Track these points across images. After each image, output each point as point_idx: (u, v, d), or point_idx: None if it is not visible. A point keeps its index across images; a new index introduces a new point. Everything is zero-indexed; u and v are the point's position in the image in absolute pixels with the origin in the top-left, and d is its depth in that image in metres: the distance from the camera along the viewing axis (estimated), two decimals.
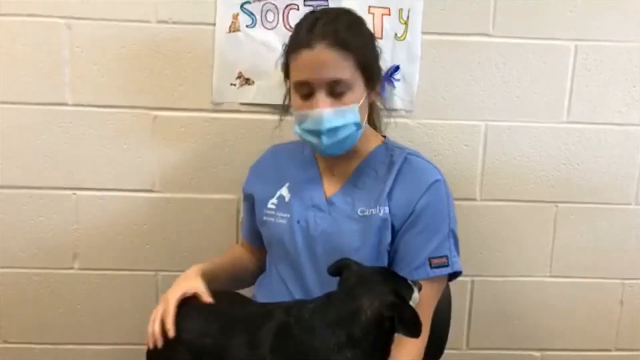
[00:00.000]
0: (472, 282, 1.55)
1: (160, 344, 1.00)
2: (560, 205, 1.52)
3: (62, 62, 1.37)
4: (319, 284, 1.10)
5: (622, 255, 1.55)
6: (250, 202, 1.23)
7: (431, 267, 1.07)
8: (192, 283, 1.07)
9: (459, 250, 1.12)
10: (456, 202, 1.13)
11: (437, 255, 1.07)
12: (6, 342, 1.49)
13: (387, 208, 1.08)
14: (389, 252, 1.10)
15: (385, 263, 1.10)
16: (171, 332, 0.99)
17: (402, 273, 1.02)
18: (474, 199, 1.50)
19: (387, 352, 0.93)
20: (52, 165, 1.42)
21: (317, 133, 1.05)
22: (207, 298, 1.04)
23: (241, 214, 1.32)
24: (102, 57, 1.38)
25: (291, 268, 1.15)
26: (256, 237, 1.25)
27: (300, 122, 1.07)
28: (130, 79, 1.39)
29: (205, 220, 1.47)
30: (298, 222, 1.13)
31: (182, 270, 1.46)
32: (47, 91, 1.38)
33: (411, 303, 0.95)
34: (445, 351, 1.32)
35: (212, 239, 1.47)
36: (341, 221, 1.11)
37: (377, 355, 0.92)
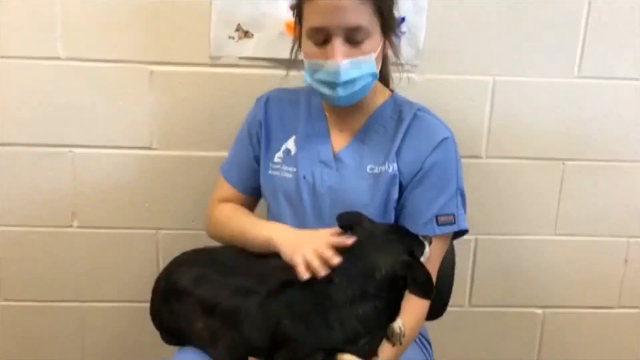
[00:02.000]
0: (476, 240, 1.54)
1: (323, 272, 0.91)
2: (567, 162, 1.49)
3: (54, 15, 1.32)
4: None
5: (628, 213, 1.53)
6: (257, 155, 1.15)
7: (438, 225, 1.05)
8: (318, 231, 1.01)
9: (466, 209, 1.10)
10: (461, 160, 1.10)
11: (444, 213, 1.05)
12: (6, 299, 1.49)
13: (395, 165, 1.06)
14: (395, 209, 1.08)
15: (392, 219, 1.08)
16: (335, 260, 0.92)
17: None
18: (479, 157, 1.47)
19: (397, 309, 0.93)
20: (47, 122, 1.38)
21: (333, 85, 1.00)
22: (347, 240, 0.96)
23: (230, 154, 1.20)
24: (95, 9, 1.32)
25: (297, 224, 1.12)
26: (250, 184, 1.17)
27: (313, 71, 1.02)
28: (125, 32, 1.34)
29: (204, 178, 1.43)
30: (304, 177, 1.10)
31: (183, 228, 1.48)
32: (39, 45, 1.33)
33: (422, 259, 0.94)
34: (448, 308, 1.32)
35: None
36: (349, 178, 1.08)
37: (388, 312, 0.92)
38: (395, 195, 1.06)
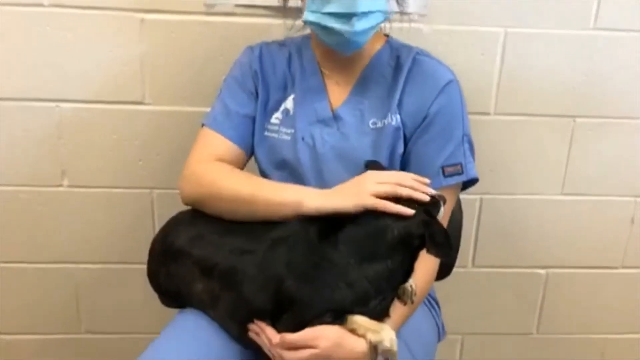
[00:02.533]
0: (481, 200, 1.49)
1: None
2: (578, 119, 1.43)
3: None
4: None
5: (638, 172, 1.49)
6: (255, 87, 1.05)
7: (445, 176, 1.00)
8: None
9: (474, 155, 1.04)
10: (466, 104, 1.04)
11: (451, 163, 1.00)
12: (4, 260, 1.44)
13: (398, 116, 1.00)
14: (400, 163, 1.03)
15: None
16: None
17: None
18: (487, 113, 1.41)
19: (411, 269, 0.89)
20: (30, 75, 1.30)
21: (349, 17, 0.91)
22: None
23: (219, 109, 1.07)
24: None
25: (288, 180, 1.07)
26: (248, 138, 1.06)
27: (322, 4, 0.92)
28: None
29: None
30: (303, 138, 1.03)
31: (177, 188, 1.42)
32: None
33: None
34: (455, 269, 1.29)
35: None
36: (351, 136, 1.02)
37: (401, 272, 0.88)
38: (400, 149, 1.01)
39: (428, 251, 0.83)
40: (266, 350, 0.87)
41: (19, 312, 1.49)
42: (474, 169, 1.04)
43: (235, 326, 0.90)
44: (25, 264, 1.45)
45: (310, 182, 1.04)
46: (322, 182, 1.03)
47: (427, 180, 0.91)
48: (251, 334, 0.88)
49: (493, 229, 1.53)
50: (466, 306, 1.59)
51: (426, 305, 1.12)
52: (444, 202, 0.92)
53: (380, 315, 0.87)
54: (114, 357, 1.54)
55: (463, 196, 1.41)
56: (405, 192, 0.87)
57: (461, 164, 1.01)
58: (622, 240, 1.56)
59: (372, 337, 0.83)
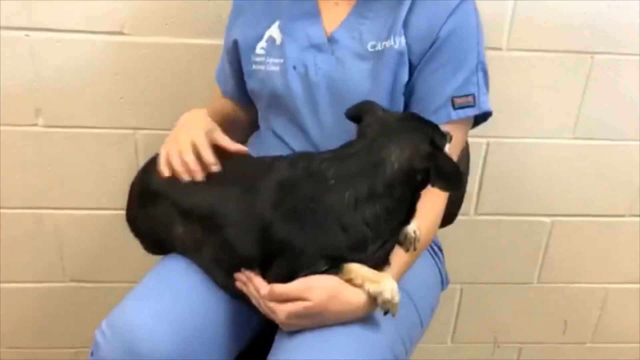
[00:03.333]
0: (487, 143, 1.41)
1: (200, 176, 0.85)
2: (596, 56, 1.32)
3: None
4: (323, 138, 0.95)
5: None
6: (235, 50, 1.02)
7: (454, 108, 0.91)
8: (208, 124, 0.92)
9: (488, 87, 0.95)
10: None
11: (462, 93, 0.91)
12: None
13: (403, 39, 0.89)
14: (404, 95, 0.93)
15: (400, 109, 0.93)
16: (215, 166, 0.86)
17: None
18: (499, 49, 1.30)
19: (413, 210, 0.81)
20: None
21: None
22: (230, 144, 0.90)
23: (220, 63, 1.10)
24: None
25: (290, 123, 0.98)
26: (245, 93, 1.05)
27: None
28: None
29: (187, 69, 1.26)
30: (294, 67, 0.94)
31: (163, 128, 1.32)
32: None
33: None
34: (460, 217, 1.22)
35: (194, 90, 1.27)
36: (347, 61, 0.92)
37: (402, 213, 0.79)
38: (404, 77, 0.91)
39: (434, 184, 0.75)
40: (254, 302, 0.80)
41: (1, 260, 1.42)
42: (488, 102, 0.94)
43: (221, 274, 0.83)
44: (5, 210, 1.37)
45: (304, 116, 0.95)
46: (317, 115, 0.95)
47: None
48: (238, 284, 0.81)
49: (498, 174, 1.44)
50: (466, 255, 1.53)
51: (429, 252, 1.05)
52: (450, 140, 0.83)
53: (379, 263, 0.80)
54: (98, 305, 1.48)
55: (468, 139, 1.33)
56: None
57: (474, 95, 0.92)
58: (632, 188, 1.49)
59: (371, 287, 0.76)
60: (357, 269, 0.77)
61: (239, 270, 0.80)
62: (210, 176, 0.85)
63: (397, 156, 0.76)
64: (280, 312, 0.75)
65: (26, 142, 1.30)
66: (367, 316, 0.79)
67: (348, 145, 0.82)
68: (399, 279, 0.84)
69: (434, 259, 1.06)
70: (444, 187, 0.76)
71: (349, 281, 0.77)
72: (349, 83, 0.92)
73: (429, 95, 0.91)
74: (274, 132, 1.00)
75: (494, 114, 1.32)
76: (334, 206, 0.75)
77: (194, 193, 0.84)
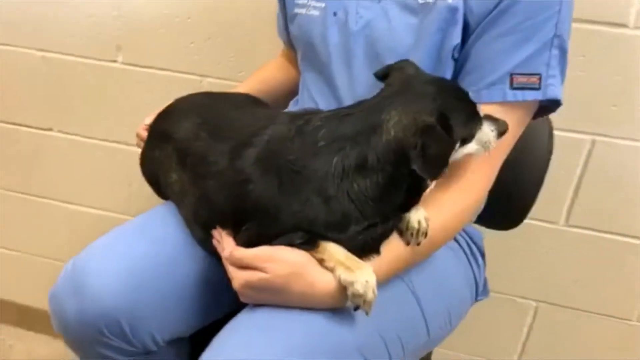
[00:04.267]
0: (593, 142, 1.16)
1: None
2: None
3: None
4: (355, 99, 0.83)
5: None
6: None
7: (512, 87, 0.74)
8: None
9: (565, 71, 0.77)
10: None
11: (526, 71, 0.74)
12: (60, 131, 1.46)
13: None
14: (456, 62, 0.78)
15: (447, 76, 0.79)
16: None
17: (468, 90, 0.73)
18: (624, 25, 1.06)
19: (413, 196, 0.68)
20: None
21: None
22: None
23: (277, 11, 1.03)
24: None
25: (322, 79, 0.88)
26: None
27: None
28: None
29: (258, 20, 1.21)
30: (335, 13, 0.84)
31: (230, 79, 1.30)
32: None
33: (473, 145, 0.69)
34: (534, 222, 1.09)
35: (264, 41, 1.22)
36: (392, 11, 0.80)
37: (395, 196, 0.66)
38: (454, 39, 0.76)
39: (412, 164, 0.62)
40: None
41: (79, 184, 1.52)
42: (559, 88, 0.76)
43: (199, 229, 0.78)
44: (82, 138, 1.46)
45: (337, 71, 0.85)
46: (350, 75, 0.84)
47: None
48: (214, 241, 0.74)
49: (602, 181, 1.19)
50: (547, 268, 1.29)
51: (464, 253, 0.88)
52: (502, 132, 0.70)
53: (364, 249, 0.67)
54: None
55: (566, 134, 1.11)
56: None
57: (540, 76, 0.74)
58: None
59: (342, 274, 0.65)
60: (332, 250, 0.66)
61: (214, 226, 0.74)
62: (216, 126, 0.79)
63: (395, 122, 0.64)
64: (236, 279, 0.68)
65: (106, 76, 1.36)
66: (338, 306, 0.68)
67: (357, 103, 0.71)
68: (388, 275, 0.71)
69: (469, 261, 0.89)
70: (419, 170, 0.62)
71: (321, 262, 0.66)
72: (390, 37, 0.80)
73: (484, 67, 0.76)
74: (308, 92, 0.91)
75: (605, 106, 1.10)
76: (318, 172, 0.65)
77: (195, 140, 0.79)
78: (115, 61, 1.34)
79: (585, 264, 1.26)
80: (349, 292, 0.64)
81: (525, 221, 1.05)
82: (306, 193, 0.65)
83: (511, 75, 0.74)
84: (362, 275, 0.64)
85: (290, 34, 0.94)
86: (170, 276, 0.77)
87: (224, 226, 0.72)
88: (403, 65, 0.73)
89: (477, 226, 0.98)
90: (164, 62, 1.31)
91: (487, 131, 0.69)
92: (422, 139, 0.61)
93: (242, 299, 0.69)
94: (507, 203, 1.03)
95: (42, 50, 1.37)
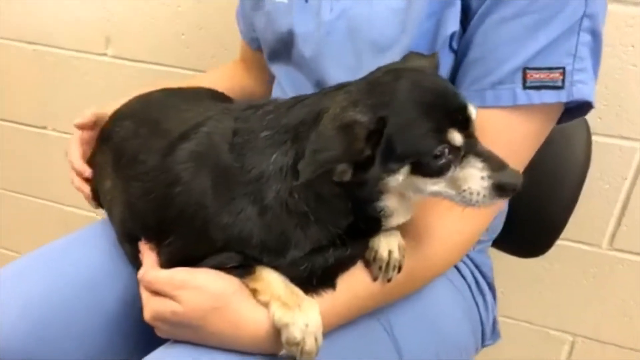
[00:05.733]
0: None
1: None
2: None
3: None
4: None
5: None
6: None
7: (525, 86, 0.58)
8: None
9: (599, 61, 0.60)
10: None
11: (544, 64, 0.58)
12: (55, 129, 1.38)
13: None
14: (455, 54, 0.62)
15: (443, 71, 0.63)
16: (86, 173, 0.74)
17: (470, 91, 0.59)
18: None
19: (370, 215, 0.53)
20: None
21: None
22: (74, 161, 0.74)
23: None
24: None
25: (294, 73, 0.74)
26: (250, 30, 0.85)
27: None
28: None
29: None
30: (306, 1, 0.70)
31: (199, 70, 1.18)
32: None
33: (442, 185, 0.51)
34: (570, 244, 0.95)
35: None
36: None
37: (341, 212, 0.52)
38: (451, 25, 0.61)
39: None
40: None
41: None
42: (591, 86, 0.59)
43: (127, 242, 0.65)
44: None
45: (311, 69, 0.72)
46: (329, 73, 0.69)
47: None
48: (141, 256, 0.61)
49: None
50: (586, 297, 1.10)
51: (468, 285, 0.72)
52: (505, 185, 0.50)
53: (310, 281, 0.53)
54: None
55: (610, 140, 0.92)
56: None
57: (563, 70, 0.58)
58: None
59: (277, 311, 0.51)
60: (270, 280, 0.52)
61: (139, 239, 0.61)
62: (158, 121, 0.66)
63: (329, 113, 0.50)
64: (146, 307, 0.55)
65: (96, 70, 1.27)
66: (270, 353, 0.53)
67: (322, 89, 0.58)
68: (345, 318, 0.56)
69: (473, 298, 0.72)
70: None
71: (255, 294, 0.52)
72: (370, 26, 0.65)
73: (488, 60, 0.60)
74: (281, 89, 0.78)
75: None
76: (255, 170, 0.52)
77: (132, 139, 0.67)
78: (104, 54, 1.24)
79: (633, 294, 1.05)
80: (283, 337, 0.50)
81: (561, 243, 0.88)
82: (240, 200, 0.52)
83: (524, 70, 0.58)
84: (302, 316, 0.49)
85: (256, 28, 0.81)
86: (85, 308, 0.64)
87: (148, 239, 0.59)
88: (410, 56, 0.58)
89: (488, 249, 0.81)
90: (154, 56, 1.21)
91: (471, 174, 0.50)
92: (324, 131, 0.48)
93: (158, 333, 0.56)
94: (534, 224, 0.86)
95: (33, 43, 1.29)
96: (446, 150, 0.48)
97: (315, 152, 0.47)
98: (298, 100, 0.55)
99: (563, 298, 1.11)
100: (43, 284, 0.64)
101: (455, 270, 0.71)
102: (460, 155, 0.49)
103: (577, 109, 0.62)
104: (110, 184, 0.68)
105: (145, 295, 0.56)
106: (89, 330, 0.64)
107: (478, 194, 0.49)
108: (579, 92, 0.58)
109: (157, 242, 0.58)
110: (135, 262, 0.64)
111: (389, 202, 0.52)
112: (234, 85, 0.88)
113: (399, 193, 0.52)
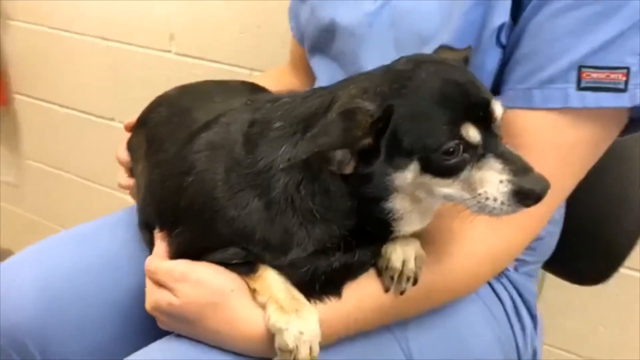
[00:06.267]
0: None
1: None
2: None
3: None
4: None
5: None
6: None
7: (579, 87, 0.52)
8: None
9: None
10: None
11: (604, 63, 0.52)
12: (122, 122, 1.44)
13: None
14: (504, 49, 0.57)
15: (491, 65, 0.58)
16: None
17: (517, 89, 0.55)
18: None
19: (380, 217, 0.49)
20: None
21: None
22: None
23: None
24: None
25: (334, 66, 0.71)
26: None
27: None
28: None
29: None
30: None
31: None
32: None
33: (457, 187, 0.46)
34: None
35: None
36: None
37: (344, 212, 0.49)
38: (500, 16, 0.56)
39: None
40: None
41: None
42: None
43: (145, 229, 0.65)
44: None
45: (348, 64, 0.69)
46: (361, 69, 0.65)
47: None
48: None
49: None
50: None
51: (504, 308, 0.65)
52: (529, 192, 0.44)
53: (313, 285, 0.50)
54: None
55: None
56: None
57: (627, 70, 0.51)
58: None
59: (272, 315, 0.48)
60: (270, 280, 0.50)
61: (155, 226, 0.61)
62: (189, 110, 0.66)
63: (339, 102, 0.47)
64: (148, 297, 0.54)
65: (160, 66, 1.30)
66: (266, 357, 0.50)
67: (342, 80, 0.54)
68: (350, 330, 0.52)
69: (509, 322, 0.65)
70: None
71: (254, 293, 0.50)
72: (413, 17, 0.62)
73: (539, 55, 0.54)
74: (319, 83, 0.75)
75: None
76: (264, 160, 0.50)
77: (164, 126, 0.68)
78: (169, 51, 1.28)
79: None
80: (276, 342, 0.47)
81: (625, 271, 0.79)
82: (247, 193, 0.50)
83: (580, 68, 0.52)
84: (298, 322, 0.46)
85: (301, 21, 0.79)
86: (103, 292, 0.64)
87: (161, 227, 0.59)
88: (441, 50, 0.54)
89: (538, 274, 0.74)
90: (213, 53, 1.23)
91: (488, 177, 0.44)
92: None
93: (159, 324, 0.55)
94: (593, 248, 0.77)
95: (106, 39, 1.35)
96: (460, 147, 0.43)
97: (314, 136, 0.44)
98: (315, 91, 0.53)
99: (628, 330, 0.99)
100: (65, 263, 0.65)
101: (490, 291, 0.64)
102: (477, 154, 0.44)
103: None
104: (140, 168, 0.69)
105: (148, 285, 0.55)
106: (104, 313, 0.64)
107: (495, 199, 0.43)
108: None
109: (169, 232, 0.57)
110: (152, 251, 0.64)
111: (398, 204, 0.47)
112: (281, 88, 0.87)
113: (411, 195, 0.47)
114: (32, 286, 0.63)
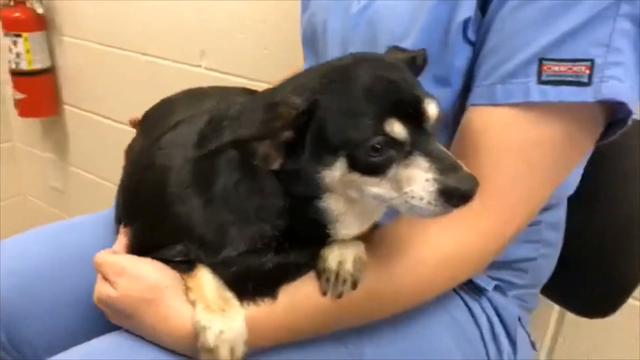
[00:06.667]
0: None
1: None
2: None
3: None
4: None
5: None
6: None
7: (539, 80, 0.49)
8: None
9: None
10: None
11: (566, 55, 0.49)
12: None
13: None
14: (473, 46, 0.55)
15: (459, 65, 0.57)
16: None
17: (481, 86, 0.54)
18: None
19: (311, 219, 0.49)
20: None
21: None
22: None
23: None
24: None
25: None
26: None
27: None
28: None
29: None
30: None
31: None
32: None
33: (386, 186, 0.44)
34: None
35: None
36: None
37: (275, 212, 0.49)
38: (465, 10, 0.54)
39: None
40: None
41: None
42: (628, 83, 0.49)
43: (119, 223, 0.66)
44: None
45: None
46: None
47: None
48: None
49: None
50: None
51: (479, 329, 0.61)
52: (454, 191, 0.42)
53: (245, 286, 0.49)
54: None
55: None
56: None
57: (592, 63, 0.48)
58: None
59: (198, 313, 0.47)
60: (203, 279, 0.49)
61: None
62: (173, 113, 0.68)
63: (289, 92, 0.47)
64: (95, 289, 0.55)
65: (190, 80, 1.35)
66: (192, 351, 0.50)
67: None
68: (284, 336, 0.51)
69: (484, 345, 0.60)
70: None
71: (187, 291, 0.50)
72: (389, 15, 0.62)
73: (501, 49, 0.52)
74: None
75: None
76: (207, 159, 0.51)
77: (153, 127, 0.69)
78: (199, 66, 1.33)
79: None
80: (199, 342, 0.46)
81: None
82: (191, 190, 0.51)
83: (540, 60, 0.49)
84: (221, 321, 0.45)
85: (303, 31, 0.80)
86: (79, 282, 0.66)
87: (124, 223, 0.60)
88: (391, 51, 0.54)
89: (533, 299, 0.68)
90: (240, 69, 1.26)
91: (414, 175, 0.43)
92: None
93: (108, 318, 0.56)
94: (600, 278, 0.71)
95: (145, 54, 1.43)
96: (385, 144, 0.41)
97: (237, 128, 0.44)
98: (271, 88, 0.53)
99: None
100: (41, 252, 0.68)
101: (465, 310, 0.60)
102: (404, 151, 0.42)
103: (619, 121, 0.50)
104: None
105: (98, 277, 0.56)
106: (72, 302, 0.66)
107: (422, 199, 0.41)
108: (612, 90, 0.47)
109: (130, 227, 0.59)
110: None
111: (333, 205, 0.46)
112: None
113: (344, 194, 0.46)
114: (11, 265, 0.66)
